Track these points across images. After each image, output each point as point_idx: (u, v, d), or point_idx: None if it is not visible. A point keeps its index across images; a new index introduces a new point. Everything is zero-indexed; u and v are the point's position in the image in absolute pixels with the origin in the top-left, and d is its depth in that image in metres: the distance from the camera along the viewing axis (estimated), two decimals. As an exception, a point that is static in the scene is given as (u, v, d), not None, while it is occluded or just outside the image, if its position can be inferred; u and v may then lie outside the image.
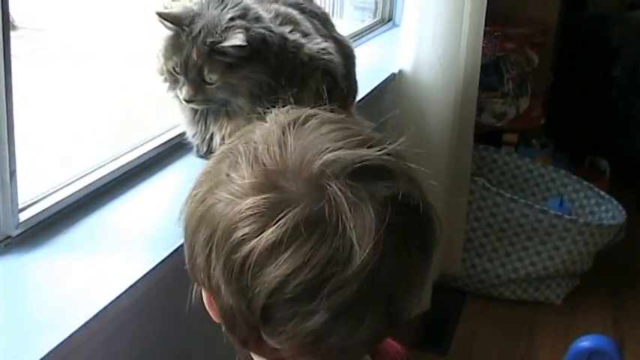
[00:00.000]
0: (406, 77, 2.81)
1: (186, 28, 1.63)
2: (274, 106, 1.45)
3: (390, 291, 0.89)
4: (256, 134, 0.95)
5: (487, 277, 3.48)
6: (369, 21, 3.52)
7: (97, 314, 1.20)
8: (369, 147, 0.91)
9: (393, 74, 2.77)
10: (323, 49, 1.80)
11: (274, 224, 0.84)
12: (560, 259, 3.42)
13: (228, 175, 0.91)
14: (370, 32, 3.35)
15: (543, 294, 3.53)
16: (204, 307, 0.99)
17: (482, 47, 3.13)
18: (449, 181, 3.12)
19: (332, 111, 1.00)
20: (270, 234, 0.84)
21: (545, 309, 3.51)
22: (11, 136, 1.30)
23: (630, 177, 4.53)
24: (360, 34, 3.23)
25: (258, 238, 0.85)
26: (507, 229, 3.41)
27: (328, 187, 0.86)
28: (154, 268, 1.34)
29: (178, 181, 1.74)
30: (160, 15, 1.65)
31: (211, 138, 1.76)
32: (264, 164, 0.89)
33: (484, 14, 3.02)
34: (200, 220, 0.92)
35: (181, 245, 1.39)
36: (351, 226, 0.85)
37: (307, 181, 0.87)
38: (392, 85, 2.79)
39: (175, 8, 1.72)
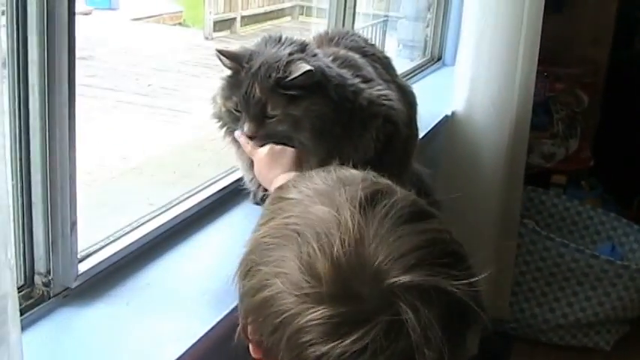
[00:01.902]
0: (459, 119, 2.77)
1: (246, 65, 1.61)
2: (337, 147, 1.42)
3: None
4: (326, 214, 0.92)
5: (535, 322, 3.42)
6: (418, 60, 3.48)
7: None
8: (444, 265, 0.90)
9: (447, 116, 2.73)
10: (384, 95, 1.76)
11: (349, 338, 0.84)
12: (610, 305, 3.35)
13: (300, 268, 0.89)
14: (421, 72, 3.31)
15: (592, 340, 3.46)
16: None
17: (533, 88, 3.08)
18: (499, 224, 3.07)
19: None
20: (344, 347, 0.84)
21: (594, 355, 3.44)
22: (73, 186, 1.28)
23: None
24: (410, 74, 3.19)
25: (332, 345, 0.85)
26: (557, 274, 3.35)
27: (403, 302, 0.85)
28: (214, 327, 1.30)
29: (236, 229, 1.70)
30: (221, 52, 1.63)
31: (268, 184, 1.72)
32: (339, 266, 0.87)
33: (537, 55, 2.97)
34: (264, 304, 0.91)
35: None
36: (423, 337, 0.85)
37: (382, 291, 0.86)
38: (445, 127, 2.75)
39: (233, 47, 1.70)
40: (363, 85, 1.71)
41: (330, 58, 1.72)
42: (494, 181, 2.91)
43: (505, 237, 3.18)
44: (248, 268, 0.96)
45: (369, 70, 1.79)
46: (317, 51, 1.70)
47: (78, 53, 1.25)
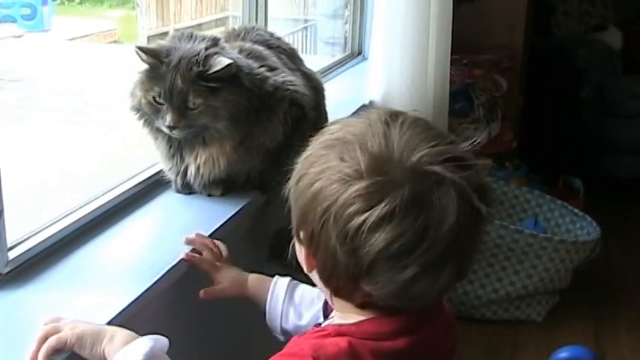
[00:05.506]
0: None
1: (165, 60, 1.72)
2: (249, 132, 1.57)
3: (464, 250, 1.15)
4: (359, 127, 1.16)
5: (468, 299, 3.54)
6: (339, 55, 3.61)
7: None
8: (448, 143, 1.15)
9: (364, 105, 2.84)
10: (289, 80, 1.88)
11: (383, 202, 1.07)
12: (538, 277, 3.49)
13: (341, 159, 1.13)
14: (341, 66, 3.44)
15: (524, 312, 3.59)
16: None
17: (451, 75, 3.19)
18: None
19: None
20: (381, 209, 1.07)
21: (527, 327, 3.56)
22: (-2, 179, 1.38)
23: (604, 194, 4.63)
24: (331, 69, 3.32)
25: (371, 211, 1.08)
26: (485, 251, 3.46)
27: (428, 169, 1.09)
28: (136, 299, 1.41)
29: (158, 215, 1.81)
30: (140, 49, 1.73)
31: (185, 171, 1.83)
32: (373, 154, 1.12)
33: (450, 43, 3.09)
34: (315, 195, 1.13)
35: (162, 277, 1.48)
36: (443, 202, 1.09)
37: (407, 168, 1.09)
38: (363, 115, 2.86)
39: (151, 44, 1.80)
40: (268, 74, 1.84)
41: (236, 50, 1.84)
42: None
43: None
44: (299, 177, 1.18)
45: (273, 60, 1.91)
46: (225, 45, 1.82)
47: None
